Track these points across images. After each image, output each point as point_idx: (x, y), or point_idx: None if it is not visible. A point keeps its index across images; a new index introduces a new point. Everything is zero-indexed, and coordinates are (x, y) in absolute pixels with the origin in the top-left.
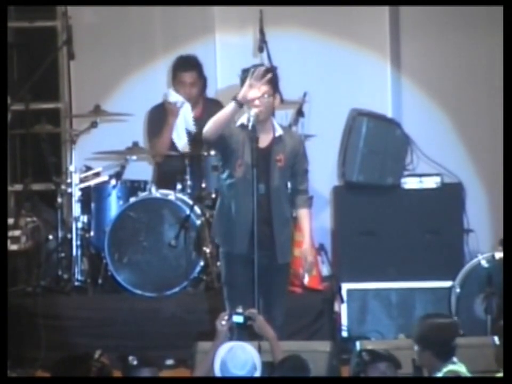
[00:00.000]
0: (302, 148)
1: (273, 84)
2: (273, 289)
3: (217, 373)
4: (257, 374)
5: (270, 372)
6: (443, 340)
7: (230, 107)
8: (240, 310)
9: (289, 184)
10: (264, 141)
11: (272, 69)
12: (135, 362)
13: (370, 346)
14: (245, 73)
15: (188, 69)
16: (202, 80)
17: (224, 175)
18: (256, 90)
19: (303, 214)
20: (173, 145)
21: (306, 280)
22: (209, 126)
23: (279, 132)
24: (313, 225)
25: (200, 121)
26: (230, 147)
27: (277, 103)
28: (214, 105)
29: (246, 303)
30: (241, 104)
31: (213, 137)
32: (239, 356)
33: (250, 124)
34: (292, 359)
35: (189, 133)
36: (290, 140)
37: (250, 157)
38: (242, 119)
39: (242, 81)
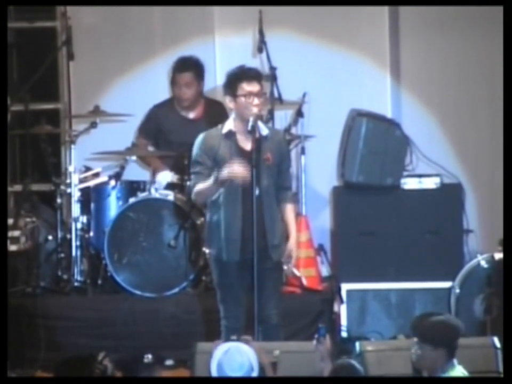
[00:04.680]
0: (286, 145)
1: (262, 84)
2: (268, 290)
3: (214, 375)
4: (255, 374)
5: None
6: (456, 338)
7: (214, 189)
8: (234, 337)
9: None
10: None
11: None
12: (150, 360)
13: (370, 347)
14: (244, 72)
15: (183, 69)
16: (200, 81)
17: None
18: None
19: (288, 209)
20: (166, 145)
21: (297, 273)
22: (198, 199)
23: (265, 131)
24: (313, 226)
25: (199, 122)
26: (218, 156)
27: (265, 104)
28: (216, 107)
29: (239, 305)
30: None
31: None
32: (235, 357)
33: (250, 125)
34: (346, 368)
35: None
36: (276, 137)
37: (238, 162)
38: (228, 126)
39: (239, 80)
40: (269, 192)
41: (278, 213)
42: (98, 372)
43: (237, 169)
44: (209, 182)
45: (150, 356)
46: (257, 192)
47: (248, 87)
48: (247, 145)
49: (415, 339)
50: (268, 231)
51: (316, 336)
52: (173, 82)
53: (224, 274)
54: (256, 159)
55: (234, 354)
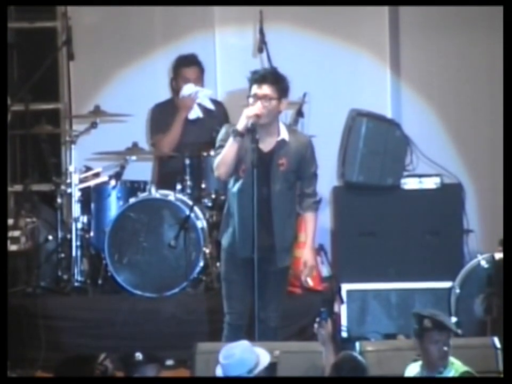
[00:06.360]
0: (309, 152)
1: (278, 87)
2: (270, 292)
3: (218, 370)
4: (258, 369)
5: (270, 372)
6: None
7: (232, 144)
8: None
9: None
10: (268, 144)
11: (279, 74)
12: (140, 358)
13: (370, 347)
14: (254, 74)
15: (190, 64)
16: (203, 78)
17: (230, 180)
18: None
19: (308, 217)
20: (178, 143)
21: (310, 284)
22: (220, 170)
23: (282, 135)
24: None
25: (200, 121)
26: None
27: (283, 107)
28: (217, 107)
29: (243, 303)
30: (241, 134)
31: (227, 176)
32: (234, 350)
33: (249, 124)
34: (348, 360)
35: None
36: (296, 143)
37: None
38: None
39: (251, 82)
40: (281, 197)
41: (290, 218)
42: (99, 372)
43: (253, 110)
44: (227, 143)
45: (140, 355)
46: (265, 195)
47: (255, 89)
48: (265, 147)
49: (433, 333)
50: (277, 235)
51: (318, 319)
52: (179, 78)
53: (232, 269)
54: (269, 163)
55: (243, 352)
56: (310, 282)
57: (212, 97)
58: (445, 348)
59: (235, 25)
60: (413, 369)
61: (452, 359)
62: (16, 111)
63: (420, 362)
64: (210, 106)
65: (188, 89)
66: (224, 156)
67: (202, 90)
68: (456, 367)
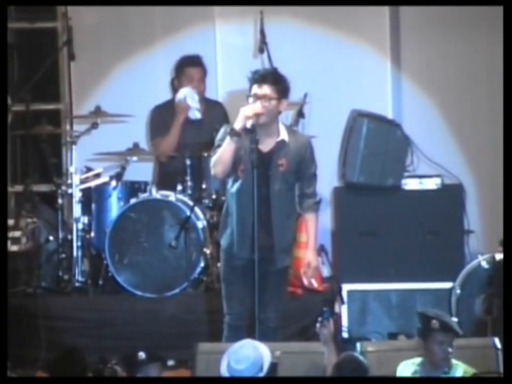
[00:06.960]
0: (308, 152)
1: (278, 87)
2: (270, 292)
3: (223, 368)
4: (266, 365)
5: (273, 372)
6: None
7: (229, 143)
8: None
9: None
10: (268, 144)
11: (279, 75)
12: (143, 357)
13: (371, 348)
14: (255, 74)
15: (195, 64)
16: (205, 79)
17: (229, 181)
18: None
19: (308, 218)
20: (178, 145)
21: (315, 285)
22: (216, 168)
23: (282, 136)
24: None
25: (200, 121)
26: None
27: (283, 108)
28: (216, 107)
29: (242, 303)
30: (238, 134)
31: (225, 176)
32: (245, 352)
33: (248, 125)
34: (350, 361)
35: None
36: (296, 144)
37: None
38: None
39: (251, 82)
40: (280, 198)
41: (290, 219)
42: (107, 375)
43: (251, 109)
44: (224, 142)
45: (143, 354)
46: (264, 195)
47: (255, 89)
48: (264, 147)
49: (439, 334)
50: (276, 235)
51: (320, 319)
52: (182, 77)
53: (231, 269)
54: (268, 163)
55: (245, 349)
56: (315, 284)
57: (211, 98)
58: (449, 349)
59: (236, 25)
60: (408, 368)
61: (453, 360)
62: (17, 112)
63: (416, 361)
64: (196, 105)
65: (181, 93)
66: (221, 154)
67: (189, 92)
68: (463, 368)
